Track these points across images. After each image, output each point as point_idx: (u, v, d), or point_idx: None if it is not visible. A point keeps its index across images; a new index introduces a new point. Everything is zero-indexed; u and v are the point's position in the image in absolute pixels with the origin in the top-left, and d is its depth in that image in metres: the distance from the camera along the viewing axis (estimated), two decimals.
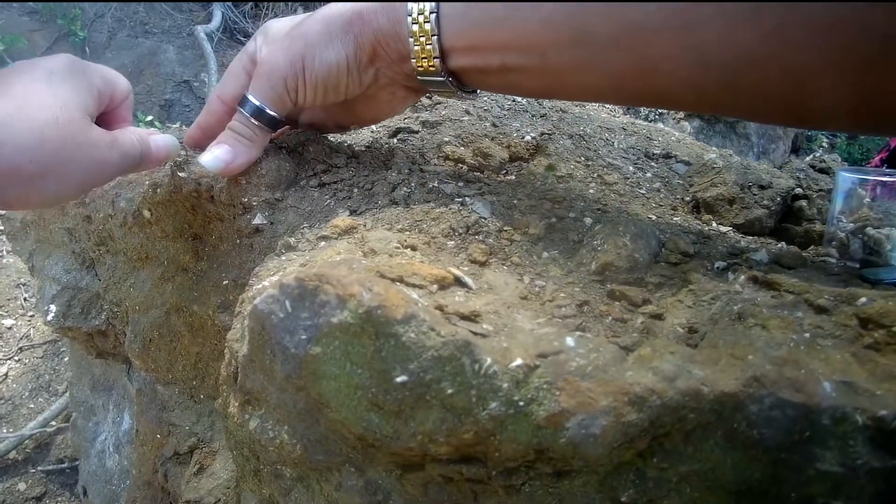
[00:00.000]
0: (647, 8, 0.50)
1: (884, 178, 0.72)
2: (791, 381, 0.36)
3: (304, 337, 0.35)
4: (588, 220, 0.66)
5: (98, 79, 0.67)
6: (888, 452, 0.35)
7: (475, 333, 0.35)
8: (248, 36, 3.97)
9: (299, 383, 0.37)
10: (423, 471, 0.38)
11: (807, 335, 0.43)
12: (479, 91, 0.72)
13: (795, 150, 4.96)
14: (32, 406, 1.96)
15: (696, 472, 0.36)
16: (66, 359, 2.10)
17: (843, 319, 0.45)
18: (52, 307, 1.03)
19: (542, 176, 0.78)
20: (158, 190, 0.90)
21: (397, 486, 0.39)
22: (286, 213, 0.77)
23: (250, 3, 3.91)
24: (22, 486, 1.80)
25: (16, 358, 2.09)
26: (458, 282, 0.45)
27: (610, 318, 0.46)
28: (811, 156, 1.37)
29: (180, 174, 0.88)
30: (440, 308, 0.37)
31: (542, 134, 1.00)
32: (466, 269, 0.50)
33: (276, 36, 0.71)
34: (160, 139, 0.73)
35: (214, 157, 0.68)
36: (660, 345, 0.38)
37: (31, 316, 2.22)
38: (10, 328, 2.15)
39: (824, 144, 5.10)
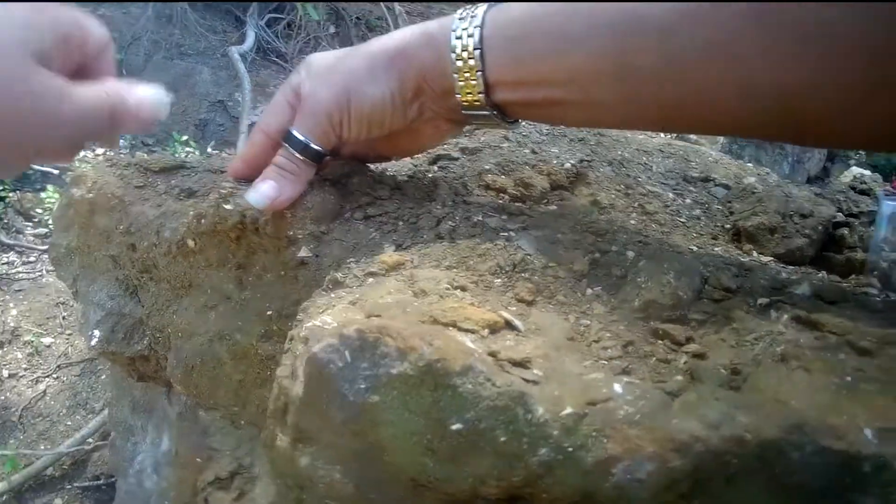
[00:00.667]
0: (692, 41, 0.52)
1: None
2: (832, 429, 0.38)
3: (363, 386, 0.38)
4: (630, 254, 0.68)
5: (67, 19, 0.53)
6: None
7: (527, 380, 0.37)
8: (280, 56, 4.05)
9: (356, 429, 0.39)
10: None
11: (849, 379, 0.44)
12: (520, 121, 0.74)
13: (831, 157, 4.90)
14: (70, 423, 2.03)
15: None
16: (103, 377, 2.16)
17: (885, 363, 0.46)
18: (97, 332, 1.07)
19: (584, 208, 0.80)
20: (203, 220, 0.94)
21: None
22: (331, 246, 0.80)
23: (283, 24, 4.00)
24: (58, 501, 1.87)
25: (54, 376, 2.16)
26: (509, 325, 0.47)
27: (654, 358, 0.47)
28: (851, 176, 1.37)
29: (226, 206, 0.91)
30: (493, 354, 0.40)
31: (582, 161, 1.02)
32: (514, 308, 0.52)
33: (319, 70, 0.72)
34: (143, 92, 0.59)
35: (260, 193, 0.70)
36: (705, 391, 0.40)
37: (69, 334, 2.29)
38: (48, 346, 2.23)
39: (860, 151, 5.02)
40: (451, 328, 0.42)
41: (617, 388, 0.38)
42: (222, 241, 0.94)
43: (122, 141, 3.51)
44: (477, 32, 0.61)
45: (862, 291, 0.70)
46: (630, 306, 0.58)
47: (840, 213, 0.89)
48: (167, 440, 1.20)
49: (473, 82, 0.64)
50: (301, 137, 0.69)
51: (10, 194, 2.73)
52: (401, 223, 0.77)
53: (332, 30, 4.21)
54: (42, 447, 1.96)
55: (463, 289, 0.54)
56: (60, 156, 0.57)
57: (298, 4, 3.69)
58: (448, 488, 0.37)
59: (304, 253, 0.82)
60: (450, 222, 0.73)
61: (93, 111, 0.53)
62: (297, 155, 0.70)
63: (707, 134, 0.71)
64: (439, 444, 0.36)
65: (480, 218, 0.73)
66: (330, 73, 0.71)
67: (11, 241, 2.57)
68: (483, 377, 0.35)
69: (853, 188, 1.17)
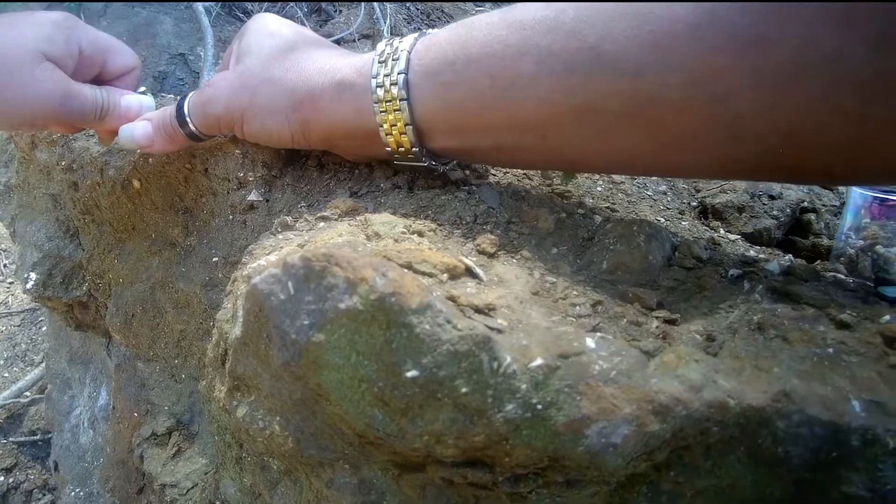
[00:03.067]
0: (666, 82, 0.43)
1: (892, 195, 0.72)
2: (821, 398, 0.34)
3: (306, 322, 0.33)
4: (598, 218, 0.64)
5: (85, 40, 0.69)
6: None
7: (491, 328, 0.32)
8: (246, 12, 3.90)
9: (298, 372, 0.34)
10: (424, 472, 0.35)
11: (830, 350, 0.41)
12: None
13: None
14: (7, 375, 1.93)
15: (713, 488, 0.34)
16: (44, 328, 2.05)
17: (867, 337, 0.43)
18: (33, 275, 0.99)
19: (550, 172, 0.76)
20: (150, 159, 0.87)
21: (393, 486, 0.37)
22: (283, 192, 0.75)
23: None
24: None
25: None
26: (469, 272, 0.42)
27: (625, 319, 0.44)
28: None
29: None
30: (453, 299, 0.35)
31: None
32: (475, 259, 0.48)
33: (245, 50, 0.64)
34: (133, 100, 0.74)
35: (133, 134, 0.69)
36: (684, 352, 0.36)
37: (10, 283, 2.17)
38: None
39: None
40: (405, 269, 0.37)
41: (589, 342, 0.33)
42: (170, 183, 0.87)
43: None
44: (401, 79, 0.52)
45: (832, 274, 0.68)
46: (598, 268, 0.53)
47: (812, 199, 0.87)
48: (105, 394, 1.14)
49: (403, 135, 0.55)
50: (187, 116, 0.67)
51: None
52: (356, 171, 0.71)
53: None
54: None
55: (420, 234, 0.49)
56: (29, 125, 0.70)
57: None
58: (399, 446, 0.33)
59: (253, 196, 0.76)
60: (408, 173, 0.68)
61: (80, 104, 0.67)
62: (178, 126, 0.67)
63: (686, 177, 0.64)
64: (391, 393, 0.31)
65: (441, 170, 0.69)
66: (240, 72, 0.63)
67: None
68: (443, 317, 0.30)
69: None
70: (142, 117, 0.70)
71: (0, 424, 1.85)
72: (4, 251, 2.28)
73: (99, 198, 0.97)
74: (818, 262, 0.76)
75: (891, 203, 0.69)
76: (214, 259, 0.80)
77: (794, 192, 0.83)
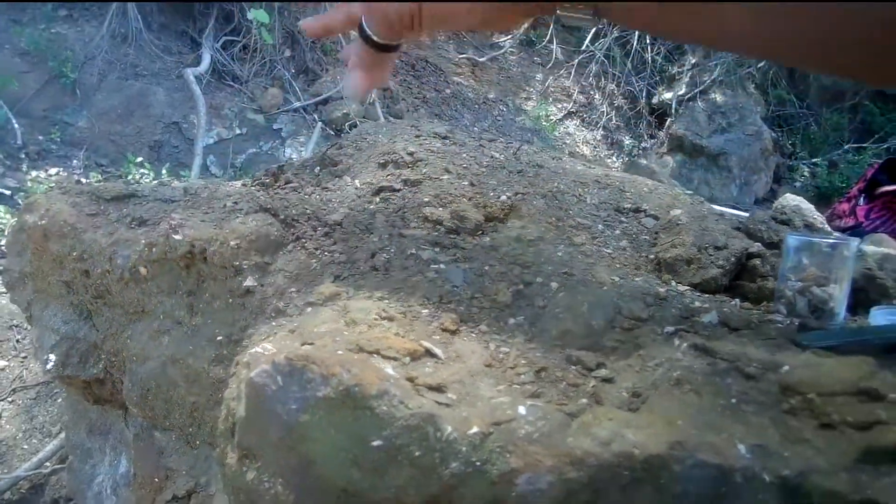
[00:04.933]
0: None
1: (826, 240, 0.80)
2: (711, 445, 0.43)
3: (294, 407, 0.42)
4: (554, 285, 0.73)
5: None
6: None
7: (440, 403, 0.42)
8: (235, 78, 4.06)
9: (290, 444, 0.43)
10: None
11: (734, 401, 0.50)
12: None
13: (777, 179, 5.09)
14: (27, 447, 2.01)
15: None
16: (59, 400, 2.14)
17: (766, 386, 0.52)
18: (52, 356, 1.08)
19: (513, 240, 0.86)
20: (154, 249, 0.97)
21: None
22: (275, 276, 0.84)
23: (239, 46, 4.02)
24: None
25: (9, 399, 2.14)
26: (429, 353, 0.51)
27: (564, 383, 0.52)
28: (773, 207, 1.45)
29: (175, 237, 0.95)
30: (411, 379, 0.44)
31: (517, 194, 1.07)
32: (438, 337, 0.57)
33: None
34: None
35: (349, 87, 0.73)
36: (600, 412, 0.45)
37: (23, 357, 2.26)
38: (2, 369, 2.20)
39: (805, 174, 5.22)
40: (375, 355, 0.46)
41: (521, 409, 0.42)
42: (173, 269, 0.97)
43: (75, 161, 3.49)
44: None
45: (768, 319, 0.76)
46: (549, 335, 0.63)
47: (758, 244, 0.95)
48: (125, 461, 1.22)
49: None
50: (368, 31, 0.69)
51: None
52: (338, 254, 0.81)
53: (287, 53, 4.24)
54: None
55: (391, 319, 0.58)
56: None
57: (254, 28, 3.71)
58: (373, 498, 0.41)
59: (249, 282, 0.86)
60: (384, 255, 0.78)
61: None
62: (367, 47, 0.70)
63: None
64: (362, 457, 0.40)
65: (414, 251, 0.78)
66: None
67: None
68: (397, 400, 0.40)
69: (774, 218, 1.25)
70: (350, 69, 0.73)
71: (23, 495, 1.92)
72: (17, 327, 2.38)
73: (109, 284, 1.07)
74: (763, 303, 0.84)
75: (821, 244, 0.78)
76: (219, 338, 0.89)
77: (737, 241, 0.92)
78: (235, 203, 1.03)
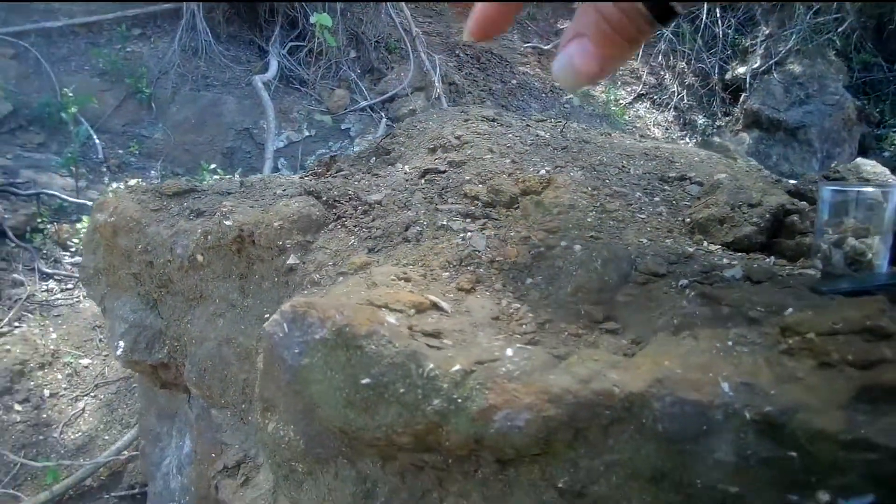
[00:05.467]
0: None
1: (864, 189, 0.77)
2: (691, 382, 0.44)
3: (297, 351, 0.45)
4: (577, 247, 0.74)
5: None
6: (776, 443, 0.42)
7: (430, 346, 0.44)
8: (303, 82, 4.18)
9: (297, 389, 0.47)
10: (397, 460, 0.47)
11: (730, 343, 0.51)
12: None
13: (863, 150, 4.83)
14: (107, 437, 2.16)
15: (618, 462, 0.43)
16: (137, 394, 2.28)
17: (767, 329, 0.53)
18: (121, 343, 1.16)
19: (545, 209, 0.87)
20: (209, 237, 1.04)
21: (381, 474, 0.49)
22: (316, 254, 0.88)
23: (304, 51, 4.14)
24: None
25: (92, 394, 2.30)
26: (436, 306, 0.54)
27: (566, 333, 0.54)
28: (830, 166, 1.40)
29: (226, 223, 1.01)
30: (410, 328, 0.47)
31: (556, 167, 1.08)
32: (452, 295, 0.60)
33: None
34: None
35: (570, 65, 0.45)
36: (588, 354, 0.46)
37: (105, 355, 2.42)
38: (86, 367, 2.37)
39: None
40: (383, 309, 0.50)
41: (508, 351, 0.45)
42: (226, 255, 1.03)
43: (152, 171, 3.67)
44: None
45: (798, 273, 0.75)
46: (564, 292, 0.64)
47: (794, 202, 0.93)
48: (189, 441, 1.29)
49: None
50: None
51: (48, 226, 2.88)
52: (375, 230, 0.84)
53: (352, 54, 4.33)
54: (81, 460, 2.09)
55: (408, 280, 0.61)
56: None
57: (317, 32, 3.81)
58: (368, 436, 0.44)
59: (292, 260, 0.90)
60: (417, 227, 0.81)
61: None
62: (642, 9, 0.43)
63: None
64: (355, 396, 0.43)
65: (445, 222, 0.81)
66: None
67: (50, 270, 2.73)
68: (385, 339, 0.43)
69: (826, 177, 1.21)
70: (576, 35, 0.45)
71: (103, 482, 2.06)
72: (99, 327, 2.53)
73: (171, 273, 1.14)
74: (801, 259, 0.83)
75: (858, 194, 0.76)
76: (266, 315, 0.94)
77: (774, 198, 0.91)
78: (284, 190, 1.08)
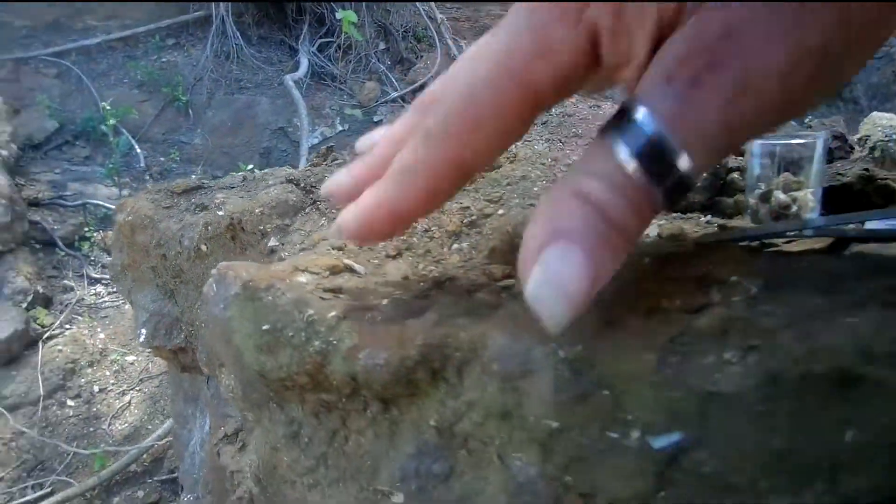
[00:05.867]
0: None
1: (788, 142, 0.79)
2: (523, 322, 0.50)
3: (221, 306, 0.57)
4: (513, 214, 0.84)
5: None
6: (590, 381, 0.43)
7: (320, 298, 0.55)
8: (334, 78, 4.34)
9: (227, 338, 0.59)
10: (309, 402, 0.58)
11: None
12: None
13: None
14: (150, 427, 2.39)
15: (475, 401, 0.50)
16: None
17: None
18: (143, 331, 1.31)
19: (493, 181, 0.97)
20: (209, 228, 1.17)
21: (302, 416, 0.59)
22: (293, 235, 1.00)
23: (334, 47, 4.29)
24: (140, 493, 2.23)
25: (137, 388, 2.53)
26: (349, 269, 0.65)
27: (462, 289, 0.64)
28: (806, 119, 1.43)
29: (219, 213, 1.14)
30: (318, 286, 0.58)
31: (526, 142, 1.17)
32: (376, 261, 0.70)
33: None
34: None
35: (553, 282, 0.32)
36: (449, 301, 0.56)
37: (148, 352, 2.63)
38: (132, 363, 2.60)
39: None
40: (301, 271, 0.61)
41: (384, 302, 0.55)
42: (225, 243, 1.16)
43: (193, 176, 3.86)
44: None
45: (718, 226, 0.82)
46: (482, 255, 0.74)
47: (741, 159, 0.98)
48: (208, 420, 1.44)
49: None
50: (675, 144, 0.29)
51: (94, 234, 3.12)
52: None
53: (381, 46, 4.47)
54: (126, 447, 2.31)
55: (340, 249, 0.72)
56: None
57: (344, 28, 3.96)
58: (275, 376, 0.55)
59: (272, 242, 1.03)
60: None
61: None
62: (647, 181, 0.30)
63: None
64: (261, 340, 0.54)
65: None
66: None
67: (98, 275, 2.97)
68: (280, 292, 0.53)
69: (810, 126, 1.24)
70: (553, 236, 0.32)
71: (146, 467, 2.28)
72: None
73: (182, 263, 1.28)
74: (738, 217, 0.89)
75: (785, 146, 0.78)
76: None
77: None
78: (273, 181, 1.21)
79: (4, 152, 3.17)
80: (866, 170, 0.86)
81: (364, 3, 4.14)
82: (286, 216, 1.02)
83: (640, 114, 0.29)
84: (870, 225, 0.53)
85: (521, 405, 0.45)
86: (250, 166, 3.81)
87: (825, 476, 0.33)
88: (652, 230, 0.72)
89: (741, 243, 0.56)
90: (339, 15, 4.00)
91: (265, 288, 0.55)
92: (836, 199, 0.80)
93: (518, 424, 0.46)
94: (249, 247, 1.10)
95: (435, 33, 4.32)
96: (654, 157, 0.29)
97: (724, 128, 0.28)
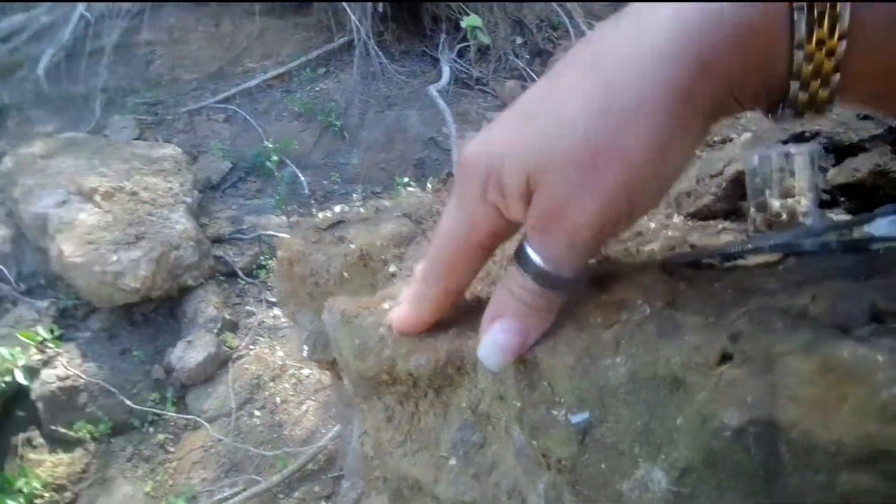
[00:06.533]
0: None
1: (786, 150, 0.80)
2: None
3: (332, 329, 0.83)
4: None
5: None
6: (533, 375, 0.71)
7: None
8: (477, 80, 4.60)
9: (339, 351, 0.85)
10: (394, 393, 0.83)
11: None
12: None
13: None
14: (324, 431, 2.79)
15: (485, 388, 0.67)
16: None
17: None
18: (305, 347, 1.62)
19: None
20: (347, 258, 1.46)
21: (393, 403, 0.85)
22: (407, 262, 1.25)
23: (472, 50, 4.55)
24: (317, 488, 2.67)
25: (312, 398, 2.94)
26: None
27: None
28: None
29: (351, 246, 1.42)
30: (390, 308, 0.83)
31: None
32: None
33: (556, 161, 0.44)
34: None
35: (495, 344, 0.53)
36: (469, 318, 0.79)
37: (315, 365, 3.03)
38: (307, 376, 3.03)
39: None
40: (386, 300, 0.86)
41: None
42: (360, 270, 1.44)
43: (354, 195, 4.27)
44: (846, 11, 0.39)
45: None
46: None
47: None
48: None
49: (824, 91, 0.43)
50: (536, 259, 0.48)
51: (269, 262, 3.61)
52: None
53: (518, 41, 4.67)
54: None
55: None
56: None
57: (468, 35, 4.20)
58: (368, 375, 0.81)
59: (392, 269, 1.28)
60: None
61: None
62: (541, 288, 0.50)
63: None
64: (355, 351, 0.80)
65: None
66: (584, 169, 0.43)
67: (274, 300, 3.43)
68: (363, 317, 0.79)
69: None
70: (492, 313, 0.53)
71: (322, 466, 2.69)
72: None
73: (330, 288, 1.58)
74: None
75: (782, 154, 0.79)
76: None
77: (737, 165, 0.97)
78: (393, 213, 1.48)
79: (189, 199, 3.74)
80: (878, 165, 0.94)
81: (495, 3, 4.36)
82: (401, 245, 1.27)
83: (529, 251, 0.48)
84: (878, 221, 0.56)
85: (505, 391, 0.62)
86: (406, 179, 4.15)
87: (666, 448, 0.43)
88: (658, 242, 0.89)
89: (705, 260, 0.62)
90: (463, 24, 4.25)
91: (355, 314, 0.80)
92: (852, 194, 0.90)
93: (508, 405, 0.62)
94: (378, 272, 1.37)
95: (567, 19, 4.46)
96: (540, 274, 0.48)
97: (570, 251, 0.47)
